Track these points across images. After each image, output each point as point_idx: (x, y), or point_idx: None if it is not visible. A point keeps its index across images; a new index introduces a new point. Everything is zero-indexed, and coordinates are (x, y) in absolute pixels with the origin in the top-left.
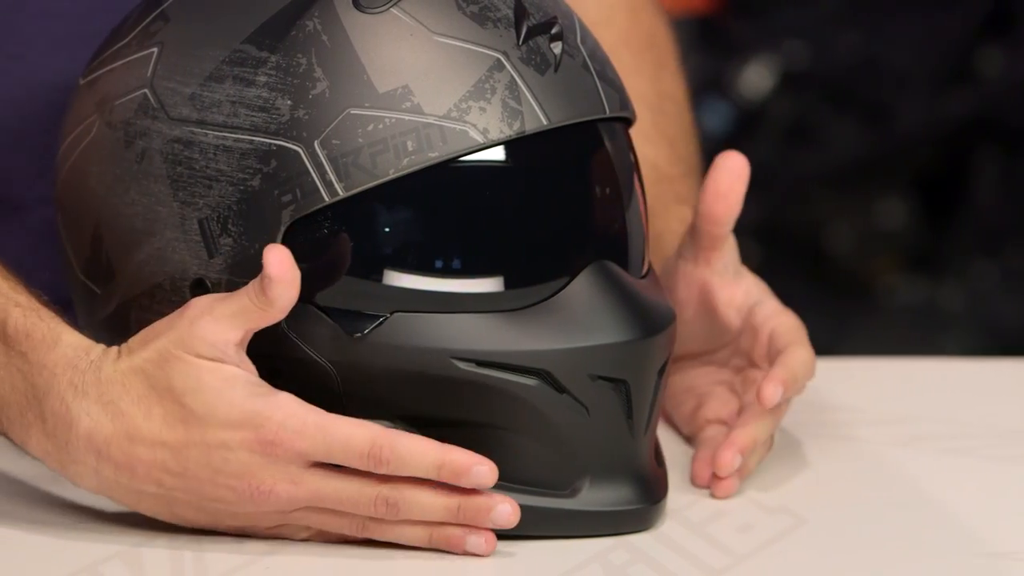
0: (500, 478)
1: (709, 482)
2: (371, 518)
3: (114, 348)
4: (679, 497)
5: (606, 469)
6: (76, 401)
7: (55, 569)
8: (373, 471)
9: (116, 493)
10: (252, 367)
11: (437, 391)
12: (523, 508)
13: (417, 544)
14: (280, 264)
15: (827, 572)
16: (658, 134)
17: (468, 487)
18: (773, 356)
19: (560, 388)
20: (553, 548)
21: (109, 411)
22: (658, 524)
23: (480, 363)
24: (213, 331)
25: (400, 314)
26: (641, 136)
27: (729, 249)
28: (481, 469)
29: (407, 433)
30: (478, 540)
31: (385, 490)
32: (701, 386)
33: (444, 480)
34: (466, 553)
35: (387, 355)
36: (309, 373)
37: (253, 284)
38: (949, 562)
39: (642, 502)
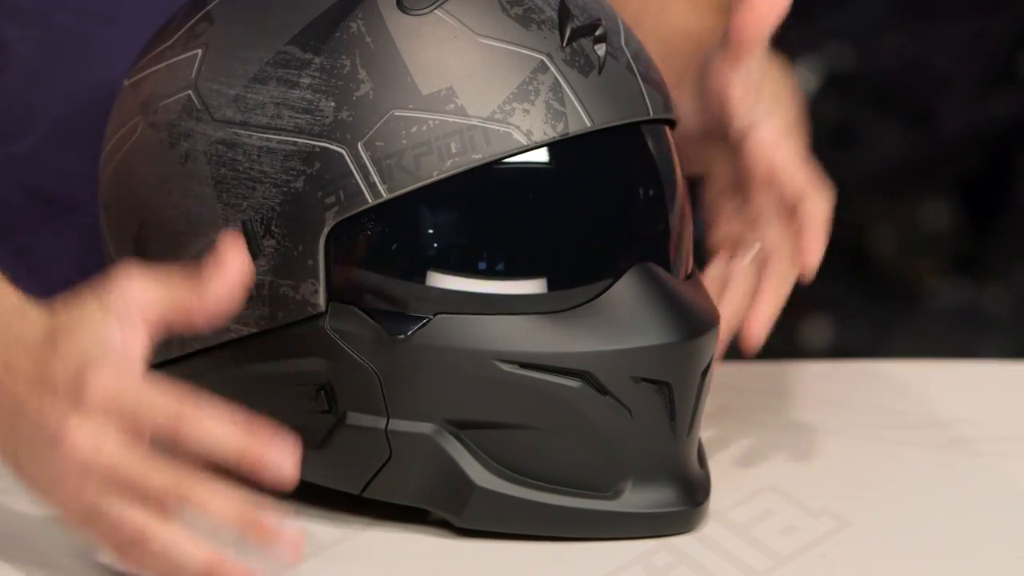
0: (543, 479)
1: None
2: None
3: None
4: (722, 499)
5: (649, 471)
6: None
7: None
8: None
9: None
10: (139, 341)
11: (480, 393)
12: (565, 510)
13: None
14: (231, 263)
15: (870, 575)
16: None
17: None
18: (777, 200)
19: (603, 390)
20: (595, 550)
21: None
22: (700, 526)
23: (523, 365)
24: (129, 288)
25: (443, 316)
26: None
27: (757, 61)
28: (284, 464)
29: (213, 411)
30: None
31: (174, 484)
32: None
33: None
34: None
35: (430, 357)
36: (352, 375)
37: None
38: (992, 565)
39: (685, 504)
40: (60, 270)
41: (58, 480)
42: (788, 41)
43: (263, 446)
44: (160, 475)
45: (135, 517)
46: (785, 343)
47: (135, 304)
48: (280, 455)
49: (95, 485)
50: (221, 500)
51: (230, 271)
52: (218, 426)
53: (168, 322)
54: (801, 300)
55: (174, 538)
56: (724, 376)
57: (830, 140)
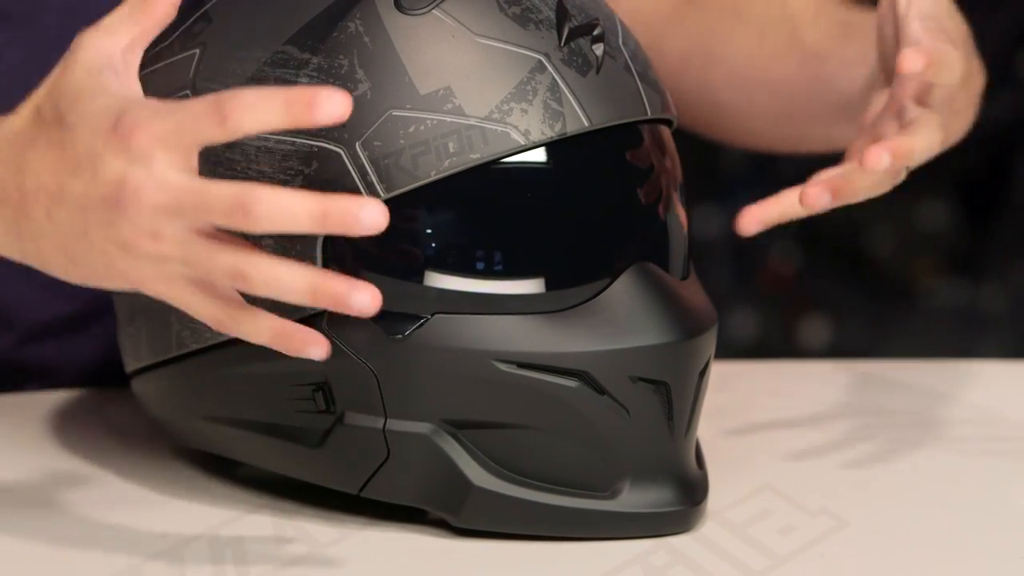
0: (541, 479)
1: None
2: (228, 304)
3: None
4: (720, 499)
5: (646, 471)
6: None
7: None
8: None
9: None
10: (136, 78)
11: (478, 393)
12: (563, 510)
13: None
14: None
15: (868, 574)
16: None
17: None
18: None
19: (600, 390)
20: (593, 550)
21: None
22: (698, 526)
23: (521, 365)
24: (98, 39)
25: (441, 316)
26: None
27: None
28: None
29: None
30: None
31: (243, 257)
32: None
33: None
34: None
35: (428, 357)
36: (350, 375)
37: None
38: (990, 564)
39: (682, 504)
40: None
41: (131, 246)
42: None
43: (331, 203)
44: (225, 251)
45: (226, 257)
46: (783, 343)
47: (115, 54)
48: (362, 215)
49: (172, 229)
50: (290, 266)
51: None
52: (282, 199)
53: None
54: (799, 300)
55: (273, 266)
56: (722, 376)
57: None
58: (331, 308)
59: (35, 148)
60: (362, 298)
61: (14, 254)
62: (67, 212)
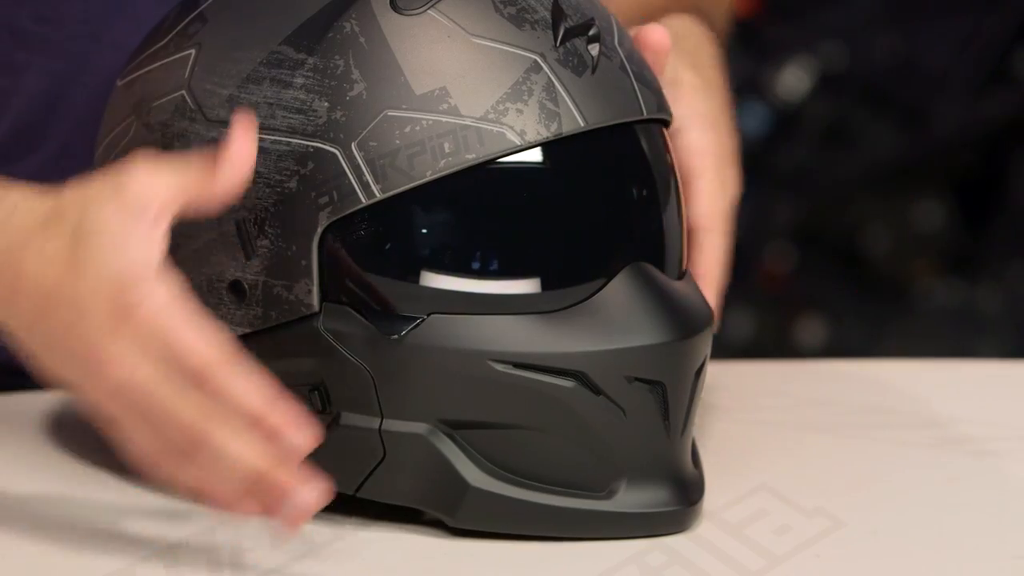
0: (537, 479)
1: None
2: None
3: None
4: (716, 499)
5: (642, 471)
6: None
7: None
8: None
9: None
10: (162, 242)
11: (473, 393)
12: (559, 510)
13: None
14: (241, 147)
15: (864, 575)
16: None
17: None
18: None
19: (596, 390)
20: (589, 550)
21: (8, 231)
22: (695, 526)
23: (517, 365)
24: (150, 182)
25: (437, 316)
26: None
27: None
28: (296, 440)
29: (245, 372)
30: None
31: (200, 424)
32: None
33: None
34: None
35: (424, 357)
36: (346, 375)
37: (205, 158)
38: (985, 564)
39: (679, 504)
40: None
41: (87, 388)
42: (781, 41)
43: (281, 422)
44: (189, 410)
45: (188, 415)
46: (779, 342)
47: (156, 205)
48: (296, 435)
49: (126, 401)
50: (240, 446)
51: (240, 155)
52: (244, 391)
53: (181, 214)
54: (795, 299)
55: (227, 442)
56: (718, 375)
57: (823, 140)
58: (264, 505)
59: (41, 254)
60: (304, 497)
61: None
62: (57, 323)
